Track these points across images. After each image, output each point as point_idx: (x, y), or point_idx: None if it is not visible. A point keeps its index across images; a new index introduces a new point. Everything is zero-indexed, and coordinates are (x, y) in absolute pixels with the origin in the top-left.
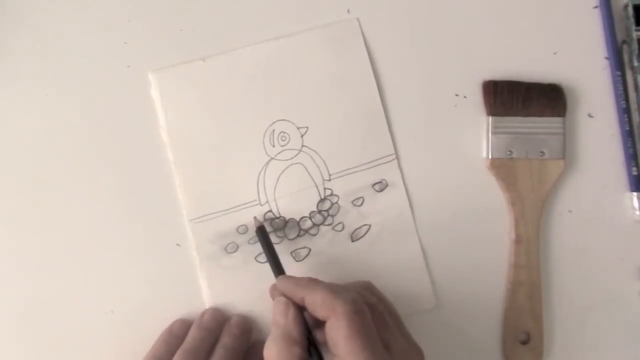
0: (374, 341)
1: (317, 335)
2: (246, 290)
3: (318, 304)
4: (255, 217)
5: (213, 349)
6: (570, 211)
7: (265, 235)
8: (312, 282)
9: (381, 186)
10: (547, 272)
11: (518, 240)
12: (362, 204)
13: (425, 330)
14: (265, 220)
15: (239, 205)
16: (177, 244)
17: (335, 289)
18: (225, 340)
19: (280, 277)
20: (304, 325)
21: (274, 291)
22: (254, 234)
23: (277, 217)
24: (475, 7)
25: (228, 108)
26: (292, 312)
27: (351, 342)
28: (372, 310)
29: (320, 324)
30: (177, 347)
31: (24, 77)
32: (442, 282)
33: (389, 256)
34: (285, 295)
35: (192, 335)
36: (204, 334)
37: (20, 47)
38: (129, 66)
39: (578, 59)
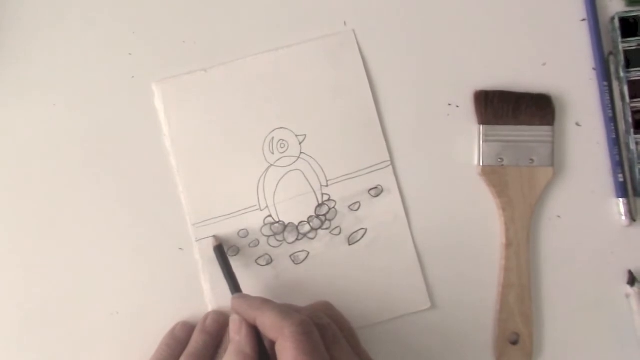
0: None
1: (273, 354)
2: (247, 292)
3: (267, 326)
4: (214, 236)
5: (216, 352)
6: (558, 216)
7: (223, 253)
8: (263, 304)
9: (377, 191)
10: (537, 275)
11: (508, 244)
12: (358, 208)
13: (420, 330)
14: (264, 224)
15: (240, 210)
16: (180, 248)
17: (284, 311)
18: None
19: (235, 296)
20: (256, 342)
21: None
22: (255, 237)
23: (277, 222)
24: (467, 20)
25: (229, 117)
26: (244, 329)
27: None
28: (324, 330)
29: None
30: (180, 351)
31: (33, 88)
32: (436, 284)
33: (385, 259)
34: (239, 315)
35: (195, 339)
36: (207, 338)
37: (30, 60)
38: (133, 77)
39: (566, 70)
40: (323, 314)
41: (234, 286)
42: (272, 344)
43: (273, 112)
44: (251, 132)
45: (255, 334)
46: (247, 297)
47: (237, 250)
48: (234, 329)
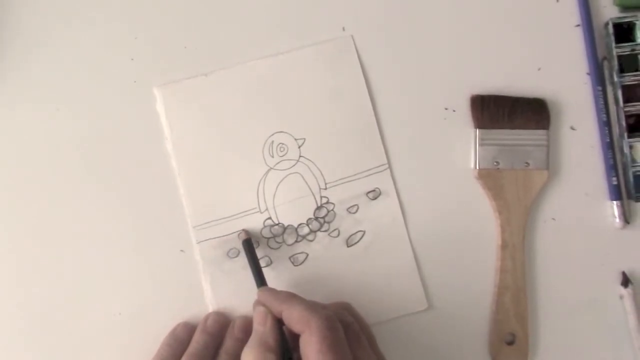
0: (345, 357)
1: (294, 347)
2: (247, 293)
3: (294, 318)
4: (243, 230)
5: (217, 352)
6: (553, 219)
7: (251, 247)
8: (290, 297)
9: (375, 194)
10: (532, 276)
11: (504, 246)
12: (356, 211)
13: (417, 330)
14: (264, 227)
15: (240, 213)
16: (181, 250)
17: (312, 306)
18: (228, 344)
19: (262, 288)
20: (280, 334)
21: (257, 302)
22: (255, 239)
23: (276, 224)
24: (464, 25)
25: (229, 121)
26: (269, 320)
27: (321, 356)
28: (347, 328)
29: (298, 337)
30: (181, 351)
31: (36, 93)
32: (433, 285)
33: (383, 260)
34: (265, 307)
35: (196, 340)
36: (208, 339)
37: (33, 65)
38: (135, 81)
39: (561, 75)
40: (347, 312)
41: (260, 279)
42: (295, 338)
43: (273, 116)
44: (251, 135)
45: (280, 326)
46: (275, 290)
47: (237, 252)
48: (259, 320)
